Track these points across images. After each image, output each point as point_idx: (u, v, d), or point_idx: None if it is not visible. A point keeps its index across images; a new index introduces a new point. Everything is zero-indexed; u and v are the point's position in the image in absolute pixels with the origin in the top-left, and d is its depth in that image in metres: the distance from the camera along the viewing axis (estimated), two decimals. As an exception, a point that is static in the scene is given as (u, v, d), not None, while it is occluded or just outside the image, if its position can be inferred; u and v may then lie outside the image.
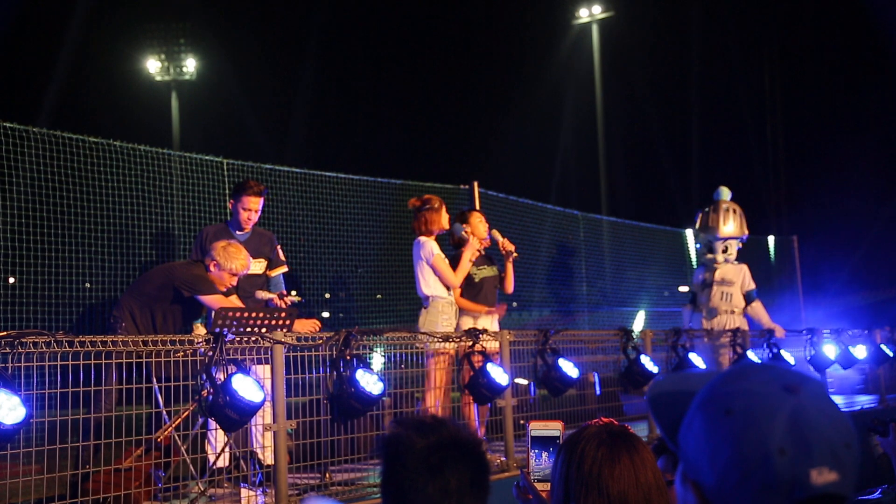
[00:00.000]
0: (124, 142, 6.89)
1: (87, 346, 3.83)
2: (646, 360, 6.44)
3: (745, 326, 8.44)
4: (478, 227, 6.45)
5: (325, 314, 8.84)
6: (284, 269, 6.06)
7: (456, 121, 31.30)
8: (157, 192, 7.19)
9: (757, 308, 8.59)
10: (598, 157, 23.90)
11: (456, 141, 30.18)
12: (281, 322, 4.72)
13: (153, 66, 25.57)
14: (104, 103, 25.27)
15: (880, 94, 23.01)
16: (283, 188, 7.96)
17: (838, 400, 9.33)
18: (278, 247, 6.04)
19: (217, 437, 4.95)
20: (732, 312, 8.49)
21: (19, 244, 6.20)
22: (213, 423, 4.84)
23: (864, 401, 9.30)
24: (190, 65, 25.62)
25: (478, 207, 9.20)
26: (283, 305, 5.45)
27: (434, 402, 5.74)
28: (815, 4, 24.85)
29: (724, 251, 8.74)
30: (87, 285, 6.66)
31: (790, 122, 24.89)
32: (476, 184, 9.26)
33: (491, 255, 6.77)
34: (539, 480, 2.19)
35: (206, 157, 7.36)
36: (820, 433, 1.11)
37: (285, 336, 4.48)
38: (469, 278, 6.36)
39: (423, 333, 5.66)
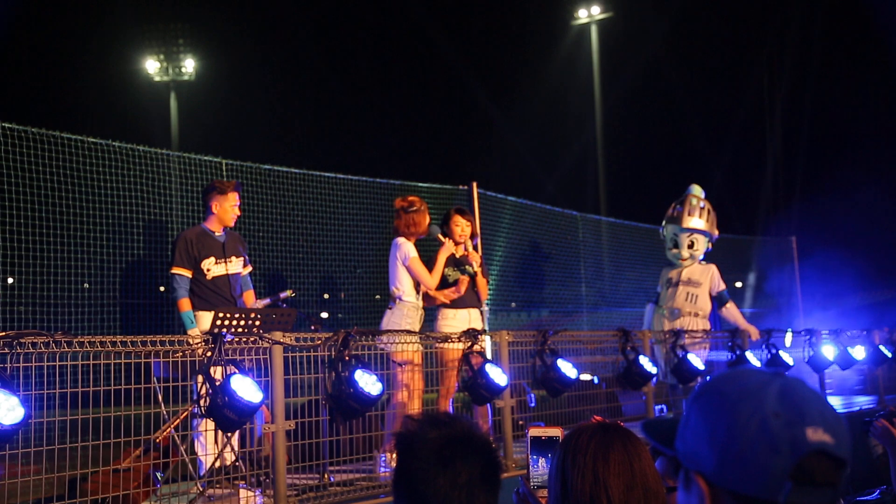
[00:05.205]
0: (123, 142, 6.89)
1: (86, 347, 3.83)
2: (644, 361, 6.44)
3: (708, 328, 8.26)
4: (455, 231, 6.44)
5: (324, 314, 8.85)
6: (251, 268, 6.28)
7: (455, 121, 31.33)
8: (156, 193, 7.19)
9: (731, 309, 8.34)
10: (597, 158, 23.93)
11: (455, 141, 30.21)
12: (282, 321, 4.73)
13: (152, 66, 25.58)
14: (103, 103, 25.31)
15: (881, 94, 23.05)
16: (283, 188, 7.97)
17: (837, 400, 9.36)
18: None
19: (208, 439, 4.95)
20: (696, 315, 8.18)
21: (18, 244, 6.20)
22: (202, 426, 4.86)
23: (863, 401, 9.31)
24: (189, 65, 25.64)
25: (476, 208, 9.21)
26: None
27: (417, 405, 5.69)
28: (814, 5, 24.87)
29: (690, 246, 8.38)
30: (86, 286, 6.66)
31: (789, 122, 24.92)
32: (475, 184, 9.27)
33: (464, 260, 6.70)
34: (538, 487, 2.19)
35: (205, 158, 7.37)
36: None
37: (284, 336, 4.48)
38: (443, 279, 6.35)
39: (424, 334, 5.66)
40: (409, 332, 5.52)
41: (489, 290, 7.49)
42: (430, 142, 30.26)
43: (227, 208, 5.88)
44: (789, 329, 8.75)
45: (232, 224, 5.97)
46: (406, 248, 6.08)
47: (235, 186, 5.98)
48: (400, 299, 6.03)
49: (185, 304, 5.68)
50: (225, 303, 5.72)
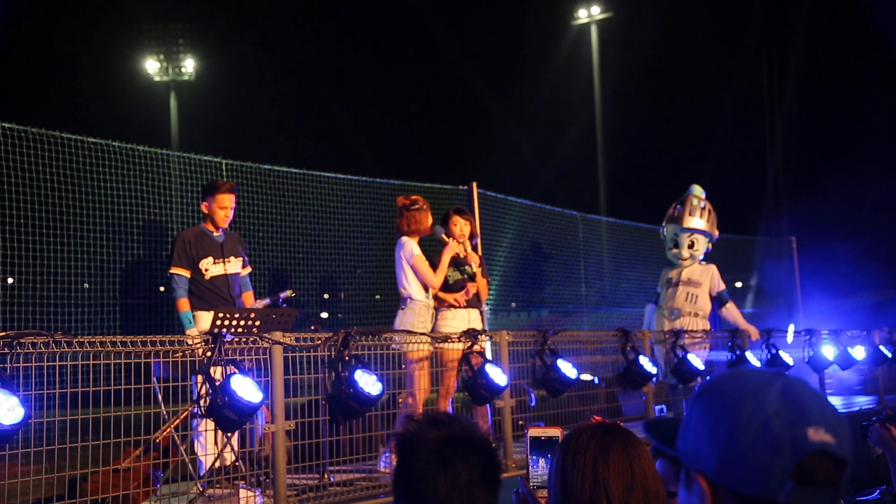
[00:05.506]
0: (123, 142, 6.89)
1: (86, 347, 3.82)
2: (644, 361, 6.44)
3: (708, 328, 8.24)
4: (454, 230, 6.42)
5: (324, 315, 8.85)
6: (250, 269, 6.28)
7: (455, 121, 31.33)
8: (156, 193, 7.19)
9: (731, 309, 8.31)
10: (596, 158, 23.93)
11: (455, 141, 30.20)
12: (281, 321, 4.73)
13: (152, 66, 25.58)
14: (103, 103, 25.30)
15: (881, 93, 23.05)
16: (282, 188, 7.96)
17: (837, 400, 9.36)
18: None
19: (208, 439, 4.95)
20: (696, 315, 8.13)
21: (18, 244, 6.20)
22: (202, 426, 4.85)
23: (863, 402, 9.32)
24: (189, 65, 25.63)
25: (476, 208, 9.20)
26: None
27: (421, 404, 5.70)
28: (814, 5, 24.88)
29: (691, 246, 8.32)
30: (86, 286, 6.66)
31: (789, 121, 24.92)
32: (475, 184, 9.27)
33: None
34: (538, 487, 2.19)
35: (205, 158, 7.37)
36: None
37: (284, 336, 4.48)
38: (445, 279, 6.34)
39: (424, 335, 5.65)
40: (408, 332, 5.52)
41: (489, 290, 7.51)
42: (430, 142, 30.25)
43: (216, 210, 5.86)
44: (791, 325, 8.73)
45: (224, 225, 5.93)
46: (410, 247, 6.08)
47: (231, 188, 5.95)
48: (410, 298, 6.03)
49: (183, 304, 5.68)
50: (223, 303, 5.72)
